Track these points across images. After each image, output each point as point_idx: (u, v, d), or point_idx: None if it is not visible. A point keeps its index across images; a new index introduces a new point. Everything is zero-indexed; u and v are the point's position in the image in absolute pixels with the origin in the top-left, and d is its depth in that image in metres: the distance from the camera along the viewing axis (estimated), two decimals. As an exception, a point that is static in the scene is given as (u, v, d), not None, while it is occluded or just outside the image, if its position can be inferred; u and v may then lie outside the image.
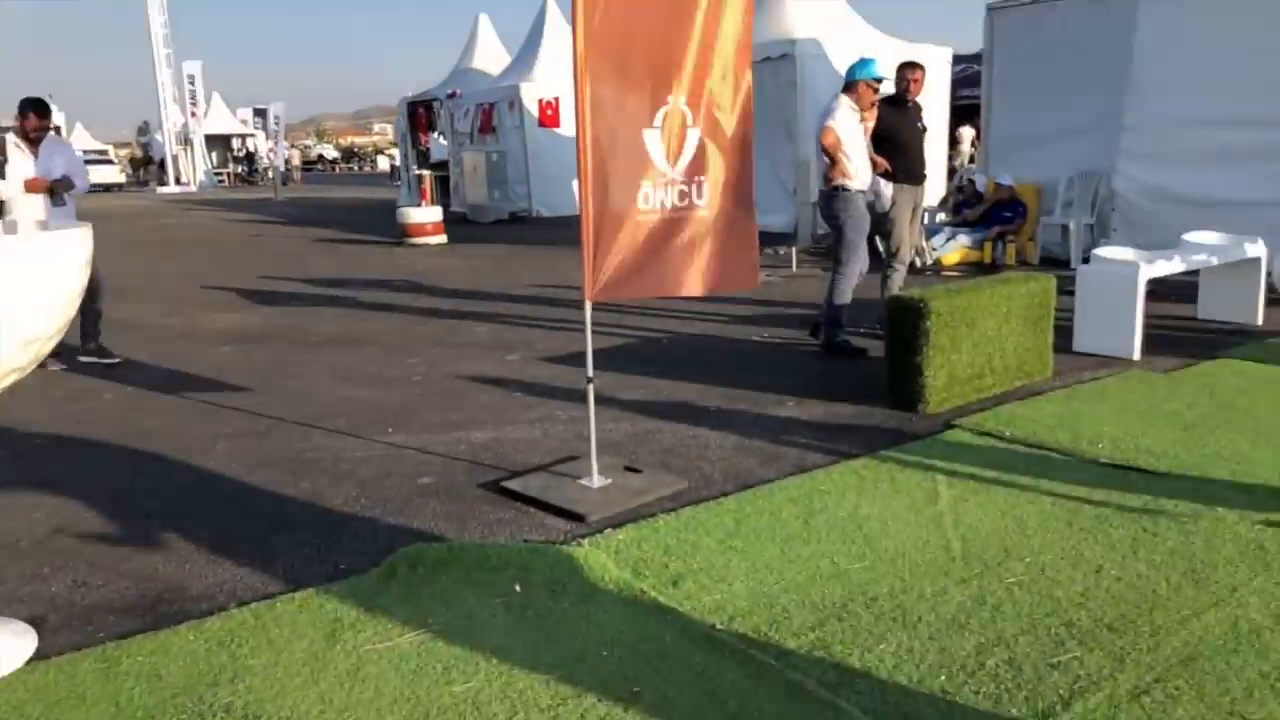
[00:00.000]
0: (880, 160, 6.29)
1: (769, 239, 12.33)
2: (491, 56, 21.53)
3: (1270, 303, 6.81)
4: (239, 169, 41.44)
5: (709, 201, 3.69)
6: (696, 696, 2.43)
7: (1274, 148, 7.99)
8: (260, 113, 41.46)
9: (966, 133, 17.84)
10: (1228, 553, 3.12)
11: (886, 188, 6.42)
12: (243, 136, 42.57)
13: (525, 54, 19.38)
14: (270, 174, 34.39)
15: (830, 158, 5.94)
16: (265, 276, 11.16)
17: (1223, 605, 2.79)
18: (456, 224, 16.38)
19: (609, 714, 2.37)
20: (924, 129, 6.61)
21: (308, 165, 51.49)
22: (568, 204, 18.47)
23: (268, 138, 39.44)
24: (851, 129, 6.01)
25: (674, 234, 3.69)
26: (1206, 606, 2.78)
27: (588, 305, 3.82)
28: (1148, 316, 5.88)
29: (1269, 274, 6.70)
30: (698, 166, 3.65)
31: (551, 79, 18.04)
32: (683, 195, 3.67)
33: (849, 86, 6.09)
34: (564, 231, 14.55)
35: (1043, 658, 2.55)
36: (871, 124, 6.19)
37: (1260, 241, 6.45)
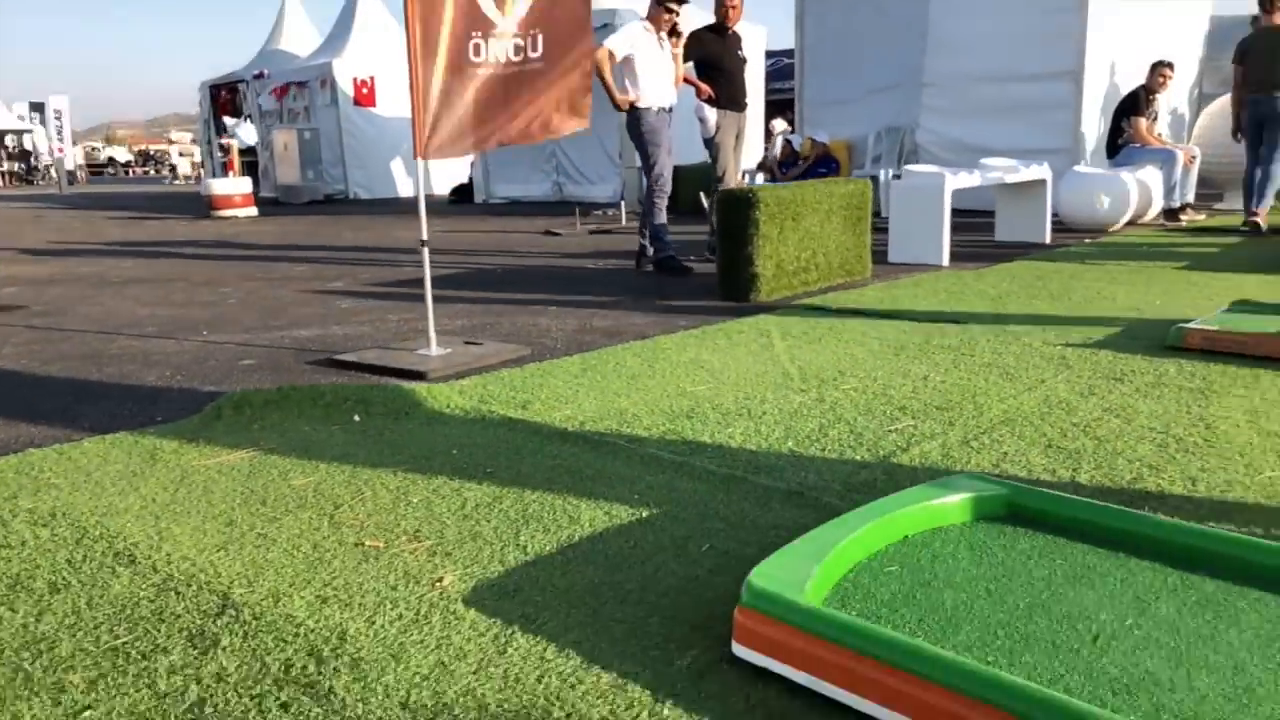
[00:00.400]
0: (704, 86, 6.45)
1: (596, 209, 12.46)
2: (301, 37, 20.61)
3: (1054, 230, 7.46)
4: (14, 167, 37.67)
5: (544, 53, 3.66)
6: (551, 472, 2.38)
7: (1047, 99, 8.79)
8: (38, 107, 37.95)
9: (779, 125, 18.60)
10: (1035, 361, 3.38)
11: (710, 114, 6.59)
12: (18, 133, 38.78)
13: (338, 32, 18.69)
14: (54, 172, 31.51)
15: (600, 77, 6.00)
16: (55, 242, 10.20)
17: (1035, 390, 3.01)
18: (268, 205, 15.55)
19: (461, 488, 2.29)
20: (744, 59, 6.83)
21: (95, 169, 47.20)
22: (386, 187, 17.92)
23: (48, 136, 36.12)
24: (644, 48, 6.10)
25: (509, 87, 3.63)
26: (1021, 391, 3.00)
27: (420, 163, 3.70)
28: (953, 239, 6.30)
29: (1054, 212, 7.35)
30: (532, 19, 3.61)
31: (366, 57, 17.50)
32: (518, 49, 3.63)
33: (649, 13, 6.24)
34: (387, 207, 14.10)
35: (880, 427, 2.67)
36: (679, 51, 6.31)
37: (1046, 164, 7.06)
